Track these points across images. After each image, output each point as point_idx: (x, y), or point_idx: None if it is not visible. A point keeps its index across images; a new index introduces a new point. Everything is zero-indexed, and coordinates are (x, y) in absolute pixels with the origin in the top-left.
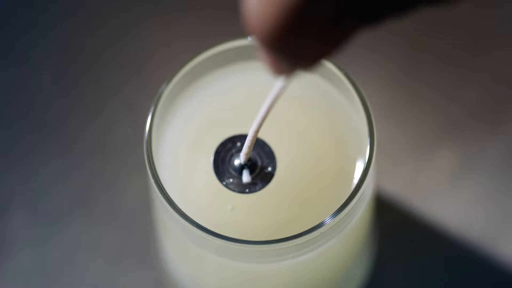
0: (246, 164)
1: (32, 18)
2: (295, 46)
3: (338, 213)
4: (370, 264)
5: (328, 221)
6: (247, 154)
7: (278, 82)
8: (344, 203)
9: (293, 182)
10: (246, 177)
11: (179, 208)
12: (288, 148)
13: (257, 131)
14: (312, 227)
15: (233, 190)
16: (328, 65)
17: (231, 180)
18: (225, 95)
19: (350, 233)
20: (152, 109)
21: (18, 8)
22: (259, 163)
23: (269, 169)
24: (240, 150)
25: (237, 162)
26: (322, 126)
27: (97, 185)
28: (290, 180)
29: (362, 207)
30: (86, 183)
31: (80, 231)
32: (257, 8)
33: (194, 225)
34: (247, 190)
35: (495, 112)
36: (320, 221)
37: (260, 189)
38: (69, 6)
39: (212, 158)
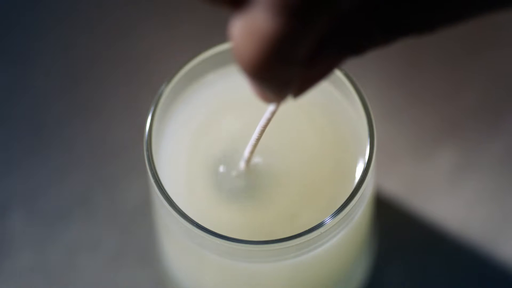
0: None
1: (32, 18)
2: (278, 77)
3: (338, 213)
4: (370, 264)
5: (328, 221)
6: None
7: (269, 107)
8: (344, 203)
9: (293, 182)
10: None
11: (179, 208)
12: (288, 148)
13: (252, 152)
14: (312, 227)
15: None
16: None
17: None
18: (225, 95)
19: (350, 233)
20: (152, 109)
21: (18, 8)
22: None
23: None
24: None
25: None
26: (322, 126)
27: (97, 185)
28: (290, 180)
29: (362, 207)
30: (86, 183)
31: (80, 231)
32: (239, 41)
33: (194, 225)
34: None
35: (495, 112)
36: (320, 221)
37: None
38: (69, 6)
39: (211, 177)
